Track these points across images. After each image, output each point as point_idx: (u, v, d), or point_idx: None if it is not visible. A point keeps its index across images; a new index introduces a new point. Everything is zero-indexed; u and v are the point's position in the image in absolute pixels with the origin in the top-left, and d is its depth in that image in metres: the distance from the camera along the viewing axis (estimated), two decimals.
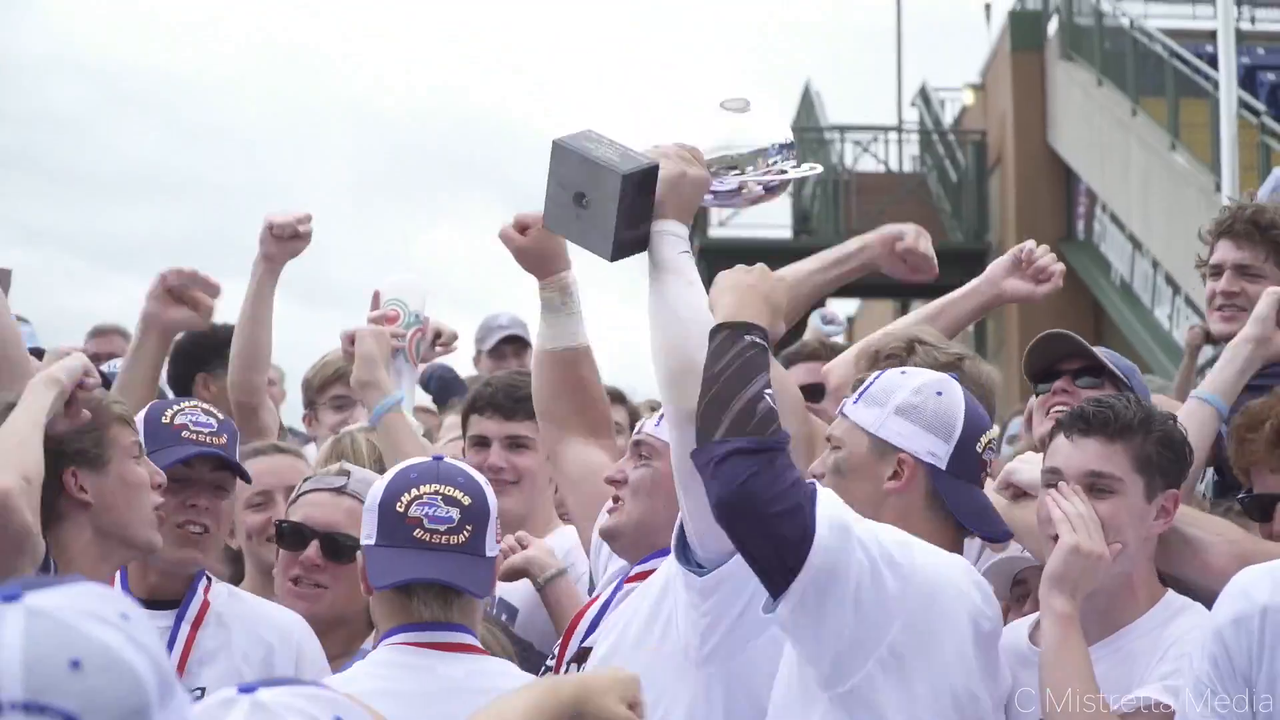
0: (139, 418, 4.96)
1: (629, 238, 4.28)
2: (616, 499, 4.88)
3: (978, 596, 4.17)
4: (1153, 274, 22.62)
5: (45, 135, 68.71)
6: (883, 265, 5.74)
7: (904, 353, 5.18)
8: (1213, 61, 19.01)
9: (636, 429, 5.02)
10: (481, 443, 5.73)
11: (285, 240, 5.91)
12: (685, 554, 4.42)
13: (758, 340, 4.09)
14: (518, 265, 5.18)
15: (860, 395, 4.51)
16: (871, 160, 30.48)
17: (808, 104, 31.06)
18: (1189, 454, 4.37)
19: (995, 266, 5.86)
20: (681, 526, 4.45)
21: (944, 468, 4.36)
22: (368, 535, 4.24)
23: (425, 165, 78.28)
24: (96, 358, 8.08)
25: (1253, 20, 25.18)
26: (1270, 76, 22.97)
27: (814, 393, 5.52)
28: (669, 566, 4.55)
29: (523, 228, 5.05)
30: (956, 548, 4.35)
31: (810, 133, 30.13)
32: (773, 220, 28.36)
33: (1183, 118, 21.76)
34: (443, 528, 4.19)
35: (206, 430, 4.95)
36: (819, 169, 4.97)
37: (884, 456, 4.34)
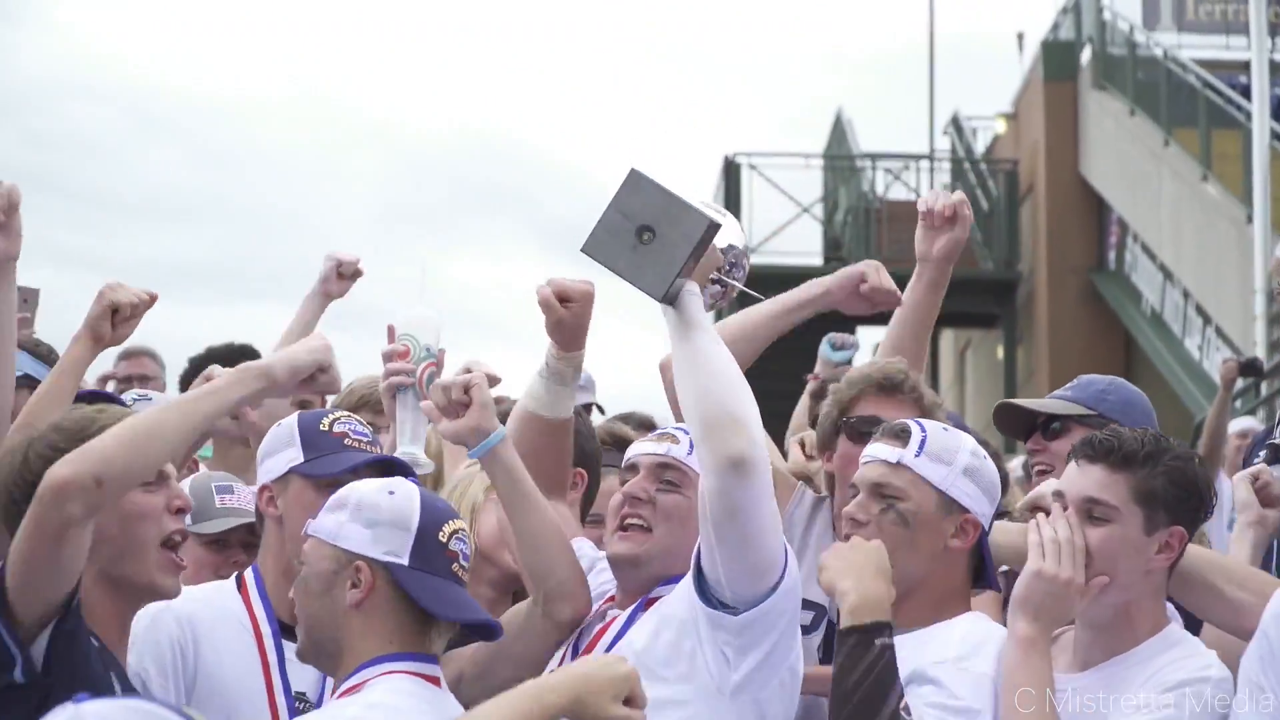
0: (293, 425, 4.91)
1: (677, 284, 4.27)
2: (628, 526, 4.77)
3: None
4: (1184, 304, 22.58)
5: (71, 158, 69.36)
6: (844, 307, 5.69)
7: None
8: (1246, 92, 19.07)
9: (660, 454, 4.82)
10: None
11: (347, 279, 6.05)
12: (703, 591, 4.42)
13: (888, 641, 4.12)
14: (546, 330, 5.06)
15: (920, 448, 4.53)
16: (903, 189, 30.37)
17: (839, 132, 31.04)
18: (1206, 494, 4.29)
19: (917, 242, 5.74)
20: (699, 568, 4.43)
21: (986, 528, 4.48)
22: (394, 553, 4.03)
23: (450, 192, 78.47)
24: (127, 380, 8.17)
25: None
26: None
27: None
28: (688, 606, 4.51)
29: (564, 298, 4.97)
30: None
31: (841, 160, 30.20)
32: (804, 248, 28.44)
33: (1215, 149, 21.77)
34: (466, 565, 4.17)
35: (365, 439, 4.89)
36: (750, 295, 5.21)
37: (950, 514, 4.40)
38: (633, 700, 3.81)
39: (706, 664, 4.41)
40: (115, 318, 5.73)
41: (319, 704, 4.62)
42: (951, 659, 4.33)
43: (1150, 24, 26.51)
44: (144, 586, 4.38)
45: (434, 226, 72.71)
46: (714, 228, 4.24)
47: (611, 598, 4.88)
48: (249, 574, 4.85)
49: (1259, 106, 17.91)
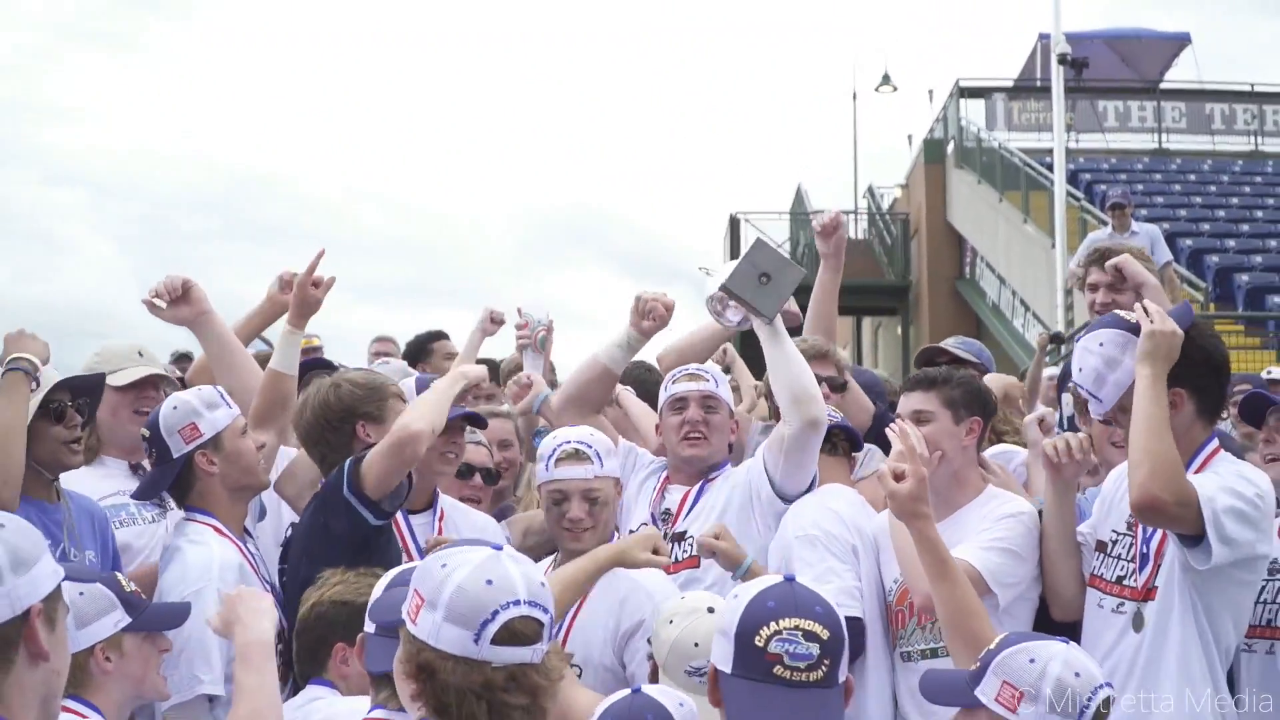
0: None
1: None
2: (690, 437, 4.66)
3: None
4: (1012, 299, 22.45)
5: (306, 216, 70.09)
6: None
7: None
8: (1050, 168, 18.91)
9: (703, 390, 4.67)
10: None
11: (496, 324, 5.79)
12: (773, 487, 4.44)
13: None
14: (638, 321, 4.85)
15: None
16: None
17: (799, 197, 30.82)
18: (987, 397, 4.34)
19: (818, 246, 5.69)
20: (767, 475, 4.43)
21: None
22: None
23: (558, 236, 78.49)
24: (378, 354, 8.12)
25: (1077, 140, 24.86)
26: (1087, 176, 22.97)
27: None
28: (749, 490, 4.50)
29: (669, 308, 4.85)
30: None
31: (800, 214, 30.02)
32: None
33: (1031, 203, 21.62)
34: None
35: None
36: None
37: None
38: (659, 551, 3.91)
39: (759, 528, 4.45)
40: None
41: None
42: None
43: (990, 126, 26.34)
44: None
45: (550, 259, 72.81)
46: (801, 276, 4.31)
47: (668, 478, 4.78)
48: None
49: (1059, 177, 17.82)
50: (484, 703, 2.35)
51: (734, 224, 28.37)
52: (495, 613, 2.36)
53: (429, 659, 2.37)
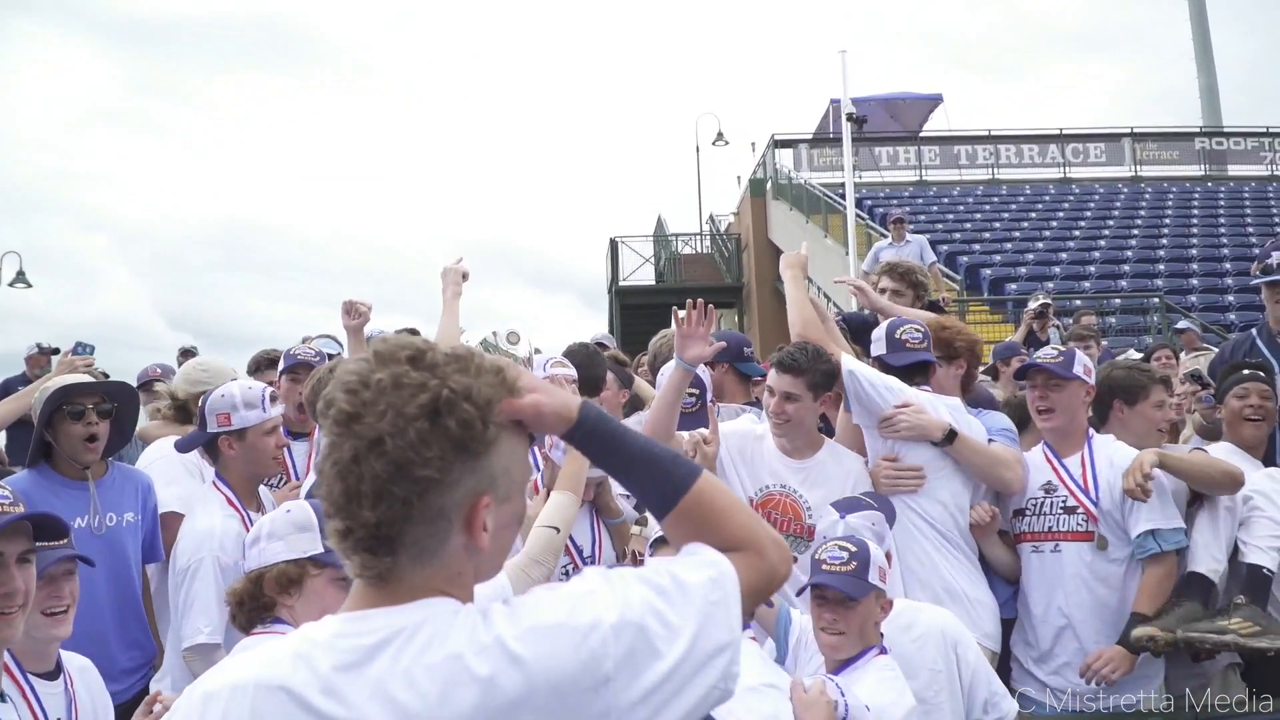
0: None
1: None
2: None
3: None
4: (819, 294, 22.39)
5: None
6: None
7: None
8: (842, 197, 19.14)
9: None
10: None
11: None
12: None
13: None
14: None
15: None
16: (689, 249, 30.39)
17: (660, 224, 30.89)
18: (835, 374, 4.04)
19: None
20: None
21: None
22: None
23: (482, 260, 77.51)
24: None
25: (860, 176, 25.07)
26: (869, 203, 23.20)
27: None
28: None
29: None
30: None
31: (661, 236, 30.06)
32: (646, 277, 28.24)
33: (829, 223, 21.87)
34: None
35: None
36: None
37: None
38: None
39: None
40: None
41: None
42: None
43: (797, 168, 26.55)
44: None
45: (477, 278, 71.66)
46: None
47: None
48: None
49: (849, 204, 18.04)
50: None
51: (613, 245, 28.24)
52: None
53: None
